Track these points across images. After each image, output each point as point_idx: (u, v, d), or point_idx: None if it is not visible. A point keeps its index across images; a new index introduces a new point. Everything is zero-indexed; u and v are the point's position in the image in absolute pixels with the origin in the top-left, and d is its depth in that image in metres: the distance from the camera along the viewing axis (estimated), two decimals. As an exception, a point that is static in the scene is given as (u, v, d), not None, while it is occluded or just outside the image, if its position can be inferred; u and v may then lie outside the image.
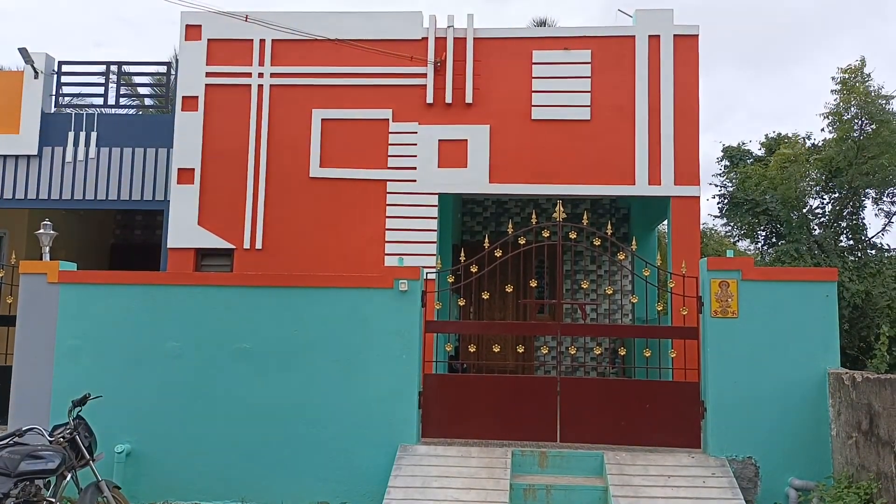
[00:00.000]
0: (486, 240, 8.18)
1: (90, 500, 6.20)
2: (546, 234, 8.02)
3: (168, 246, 10.57)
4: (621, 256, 8.23)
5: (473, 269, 8.01)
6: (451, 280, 8.21)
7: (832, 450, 7.24)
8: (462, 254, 8.24)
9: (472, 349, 8.26)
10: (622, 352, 8.02)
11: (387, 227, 10.40)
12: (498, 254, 7.99)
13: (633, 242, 8.30)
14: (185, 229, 10.56)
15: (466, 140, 10.53)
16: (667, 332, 8.11)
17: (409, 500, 6.82)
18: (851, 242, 13.71)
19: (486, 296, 8.15)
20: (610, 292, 8.18)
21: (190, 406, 7.83)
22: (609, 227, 8.14)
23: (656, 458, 7.42)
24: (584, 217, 8.05)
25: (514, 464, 7.43)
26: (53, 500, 5.99)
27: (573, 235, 8.12)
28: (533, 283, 8.11)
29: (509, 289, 8.04)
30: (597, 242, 8.14)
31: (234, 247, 10.55)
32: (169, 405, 7.84)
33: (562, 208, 8.17)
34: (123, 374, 7.90)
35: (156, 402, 7.85)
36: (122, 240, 15.25)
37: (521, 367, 10.85)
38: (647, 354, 7.88)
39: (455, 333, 8.31)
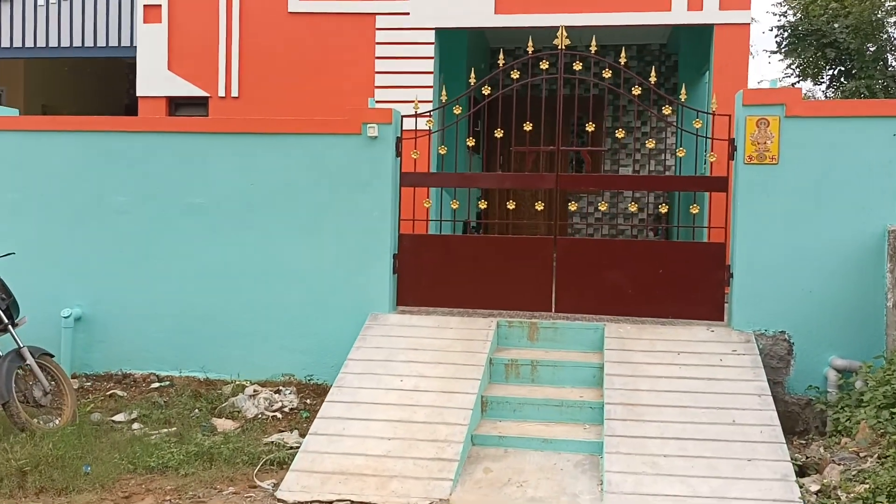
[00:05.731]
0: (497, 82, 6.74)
1: (8, 368, 5.55)
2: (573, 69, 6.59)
3: (137, 94, 9.57)
4: (637, 91, 6.66)
5: (457, 110, 6.73)
6: (430, 126, 6.89)
7: (886, 324, 5.90)
8: (486, 110, 6.91)
9: (482, 206, 7.02)
10: (664, 209, 6.74)
11: (376, 69, 9.04)
12: (487, 91, 6.65)
13: (683, 91, 6.72)
14: (154, 75, 9.48)
15: (468, -39, 8.89)
16: (688, 183, 6.73)
17: (367, 375, 5.90)
18: (936, 78, 11.49)
19: (470, 143, 6.88)
20: (631, 138, 6.73)
21: (140, 267, 7.00)
22: (653, 74, 6.66)
23: (668, 331, 6.24)
24: (622, 56, 6.50)
25: (500, 336, 6.40)
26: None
27: (607, 74, 6.61)
28: (527, 127, 6.72)
29: (499, 134, 6.71)
30: (636, 92, 6.51)
31: (208, 95, 9.44)
32: (118, 266, 7.03)
33: (564, 34, 6.66)
34: (69, 232, 7.10)
35: (104, 262, 7.04)
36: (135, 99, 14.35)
37: (548, 229, 9.58)
38: (695, 210, 6.53)
39: (437, 187, 7.10)
